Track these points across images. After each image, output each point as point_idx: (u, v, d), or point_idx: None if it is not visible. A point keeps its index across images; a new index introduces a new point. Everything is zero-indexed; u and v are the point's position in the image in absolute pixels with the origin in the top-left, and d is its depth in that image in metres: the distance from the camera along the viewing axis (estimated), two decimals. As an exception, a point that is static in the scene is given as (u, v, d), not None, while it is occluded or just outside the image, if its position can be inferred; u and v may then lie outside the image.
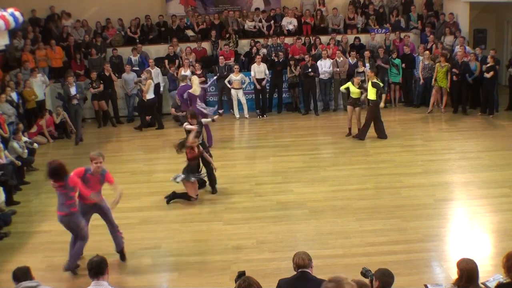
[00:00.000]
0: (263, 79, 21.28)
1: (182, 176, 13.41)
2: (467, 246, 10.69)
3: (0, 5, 15.64)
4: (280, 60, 21.66)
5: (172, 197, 13.55)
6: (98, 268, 6.84)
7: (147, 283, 10.10)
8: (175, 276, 10.31)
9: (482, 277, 7.04)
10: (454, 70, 19.91)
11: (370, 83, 17.55)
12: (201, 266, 10.43)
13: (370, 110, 17.76)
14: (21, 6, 16.64)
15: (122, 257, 10.70)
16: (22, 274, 7.09)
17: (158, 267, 10.57)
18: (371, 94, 17.49)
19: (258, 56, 21.41)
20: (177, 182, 13.49)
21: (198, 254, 10.91)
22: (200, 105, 17.38)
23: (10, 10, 15.18)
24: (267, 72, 21.31)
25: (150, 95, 20.23)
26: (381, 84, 18.01)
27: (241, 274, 6.53)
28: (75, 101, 19.43)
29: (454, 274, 7.14)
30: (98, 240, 10.79)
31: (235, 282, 6.30)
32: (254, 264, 10.19)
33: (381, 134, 17.76)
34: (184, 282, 10.07)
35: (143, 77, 20.32)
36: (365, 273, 7.10)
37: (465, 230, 11.52)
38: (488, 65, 19.44)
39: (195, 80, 18.00)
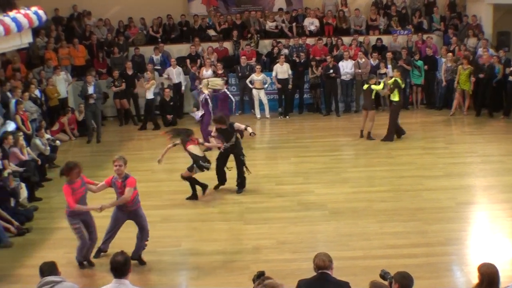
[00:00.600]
0: (286, 79, 21.29)
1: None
2: (488, 251, 10.60)
3: (24, 4, 15.75)
4: (302, 61, 21.65)
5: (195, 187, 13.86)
6: (121, 268, 6.75)
7: (167, 281, 10.17)
8: (194, 275, 10.36)
9: (503, 282, 7.01)
10: (481, 75, 19.75)
11: (392, 82, 17.57)
12: (220, 265, 10.47)
13: (393, 110, 17.74)
14: (45, 5, 16.76)
15: (141, 261, 10.66)
16: (48, 268, 7.08)
17: (178, 265, 10.62)
18: (395, 95, 17.47)
19: (281, 57, 21.42)
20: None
21: (218, 254, 10.95)
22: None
23: (33, 8, 15.29)
24: (290, 72, 21.29)
25: (149, 95, 20.45)
26: (402, 85, 17.95)
27: (260, 274, 6.53)
28: (91, 101, 19.30)
29: (474, 279, 7.10)
30: (119, 238, 10.84)
31: (253, 282, 6.31)
32: (274, 265, 10.19)
33: (400, 132, 17.80)
34: (203, 281, 10.12)
35: (146, 76, 20.43)
36: (383, 275, 7.07)
37: (487, 234, 11.46)
38: (514, 68, 19.31)
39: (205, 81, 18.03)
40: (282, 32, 23.93)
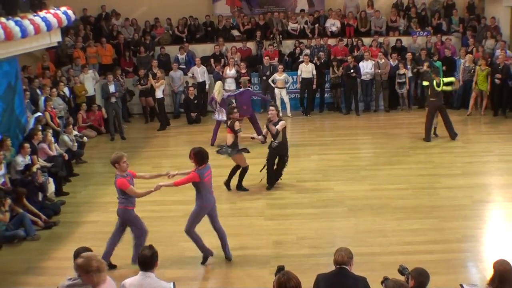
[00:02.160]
0: (309, 78, 21.56)
1: (229, 150, 13.98)
2: (503, 248, 10.74)
3: (53, 4, 16.14)
4: (322, 61, 21.90)
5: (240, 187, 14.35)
6: (148, 261, 6.94)
7: (188, 275, 10.42)
8: (215, 269, 10.60)
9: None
10: (497, 75, 19.82)
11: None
12: (241, 260, 10.70)
13: (429, 111, 17.92)
14: (74, 5, 17.10)
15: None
16: None
17: (199, 259, 10.76)
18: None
19: (305, 56, 21.67)
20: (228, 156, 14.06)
21: (239, 248, 11.12)
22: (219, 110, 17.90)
23: (63, 8, 15.63)
24: (314, 72, 21.53)
25: (159, 94, 20.55)
26: (436, 88, 18.11)
27: (281, 269, 6.73)
28: (113, 99, 19.65)
29: (489, 275, 7.32)
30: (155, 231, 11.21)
31: (275, 276, 6.47)
32: (294, 259, 10.37)
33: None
34: (224, 275, 10.39)
35: (158, 75, 20.71)
36: (402, 270, 7.27)
37: (502, 232, 11.63)
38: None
39: (217, 86, 18.40)
40: (304, 33, 24.16)
